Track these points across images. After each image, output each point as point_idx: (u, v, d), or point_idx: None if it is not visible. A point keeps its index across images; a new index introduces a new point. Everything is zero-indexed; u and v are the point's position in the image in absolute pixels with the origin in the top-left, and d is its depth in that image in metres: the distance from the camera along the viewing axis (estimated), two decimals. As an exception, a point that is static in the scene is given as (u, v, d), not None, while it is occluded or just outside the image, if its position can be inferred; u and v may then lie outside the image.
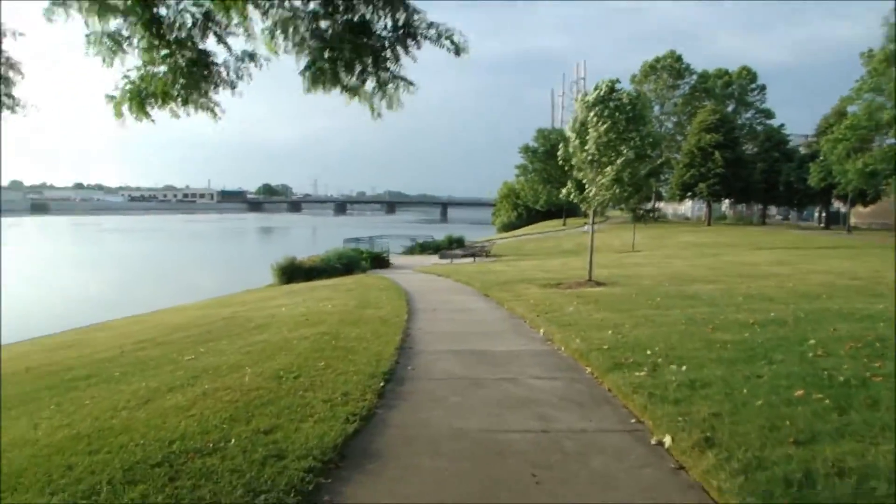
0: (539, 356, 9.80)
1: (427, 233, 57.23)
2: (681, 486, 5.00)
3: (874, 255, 29.70)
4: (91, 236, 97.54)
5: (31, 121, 8.48)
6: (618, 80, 19.18)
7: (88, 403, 7.86)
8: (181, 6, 6.30)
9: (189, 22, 6.38)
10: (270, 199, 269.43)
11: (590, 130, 18.83)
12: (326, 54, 6.71)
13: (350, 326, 12.13)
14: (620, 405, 7.09)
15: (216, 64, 6.68)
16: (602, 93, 18.79)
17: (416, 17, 6.69)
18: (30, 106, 7.68)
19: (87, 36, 6.14)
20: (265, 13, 6.56)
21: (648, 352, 8.91)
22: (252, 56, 6.72)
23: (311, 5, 6.64)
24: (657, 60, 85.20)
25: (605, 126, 18.37)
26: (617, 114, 18.40)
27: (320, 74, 6.82)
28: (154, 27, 6.14)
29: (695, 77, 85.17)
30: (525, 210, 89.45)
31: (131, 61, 6.42)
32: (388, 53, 6.83)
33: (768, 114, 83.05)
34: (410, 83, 7.02)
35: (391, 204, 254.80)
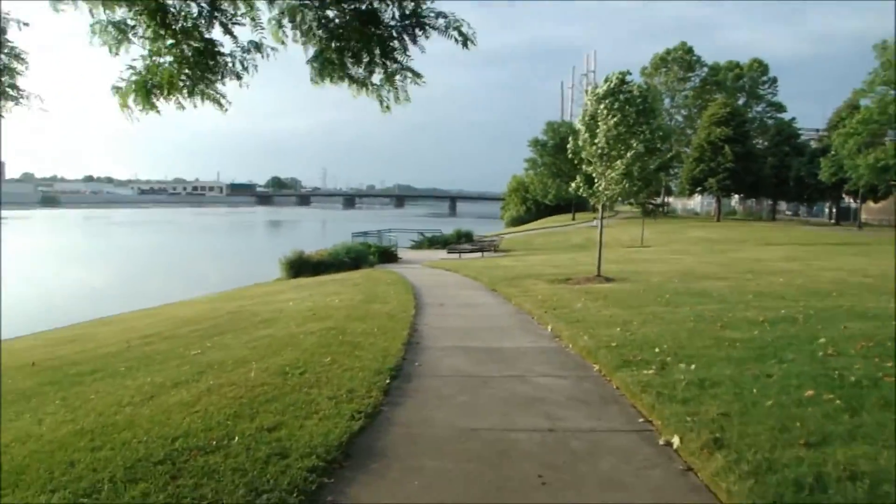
0: (546, 353, 9.73)
1: (435, 227, 56.94)
2: (689, 488, 4.92)
3: (885, 251, 29.50)
4: (100, 229, 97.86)
5: (42, 113, 8.38)
6: (628, 72, 19.05)
7: (93, 398, 7.82)
8: None
9: (195, 11, 6.31)
10: (280, 192, 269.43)
11: (600, 123, 18.73)
12: (334, 44, 6.65)
13: (357, 321, 12.08)
14: (628, 404, 7.00)
15: (222, 54, 6.61)
16: (612, 85, 18.65)
17: (424, 6, 6.61)
18: (34, 97, 7.63)
19: (91, 25, 6.08)
20: (272, 2, 6.50)
21: (657, 350, 8.83)
22: (258, 46, 6.64)
23: None
24: (668, 52, 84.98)
25: (615, 119, 18.25)
26: (627, 107, 18.28)
27: (328, 65, 6.75)
28: (159, 16, 6.07)
29: (706, 69, 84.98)
30: (534, 204, 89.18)
31: (137, 51, 6.37)
32: (396, 44, 6.76)
33: (779, 107, 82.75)
34: (418, 75, 6.95)
35: (400, 198, 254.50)
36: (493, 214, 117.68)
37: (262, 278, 31.11)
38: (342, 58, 6.67)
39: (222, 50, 6.57)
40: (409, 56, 6.87)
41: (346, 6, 6.59)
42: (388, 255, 35.68)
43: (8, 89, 7.31)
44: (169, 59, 6.34)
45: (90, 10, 5.90)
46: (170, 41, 6.27)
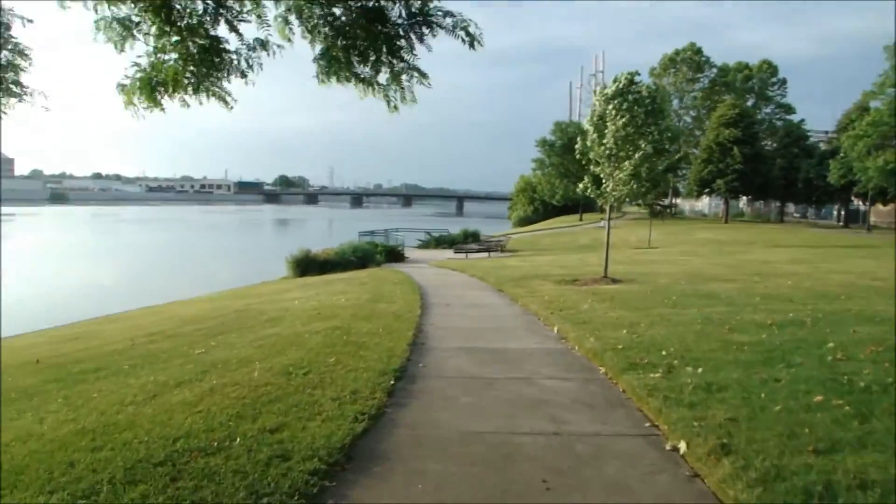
0: (552, 355, 9.66)
1: (442, 226, 56.84)
2: (696, 494, 4.84)
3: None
4: (108, 226, 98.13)
5: (51, 110, 8.34)
6: (637, 73, 18.97)
7: (96, 397, 7.79)
8: None
9: (200, 8, 6.27)
10: (287, 190, 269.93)
11: (608, 124, 18.66)
12: (340, 42, 6.59)
13: (362, 321, 12.03)
14: (635, 408, 6.93)
15: (228, 51, 6.56)
16: (621, 85, 18.58)
17: (431, 4, 6.56)
18: (37, 93, 7.60)
19: (95, 22, 6.04)
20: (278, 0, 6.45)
21: (664, 352, 8.76)
22: (264, 44, 6.59)
23: None
24: (677, 53, 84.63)
25: (623, 119, 18.18)
26: (636, 107, 18.20)
27: (334, 63, 6.70)
28: (164, 13, 6.03)
29: (714, 70, 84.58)
30: (541, 204, 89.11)
31: (142, 49, 6.32)
32: (403, 42, 6.70)
33: (788, 109, 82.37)
34: (424, 75, 6.89)
35: (407, 197, 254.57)
36: (501, 214, 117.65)
37: (269, 276, 31.13)
38: (348, 56, 6.62)
39: (228, 47, 6.52)
40: (415, 55, 6.82)
41: (352, 3, 6.54)
42: (394, 255, 35.65)
43: (11, 86, 7.28)
44: (174, 56, 6.29)
45: (94, 7, 5.86)
46: (175, 38, 6.22)
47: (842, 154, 49.89)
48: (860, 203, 64.01)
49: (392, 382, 7.72)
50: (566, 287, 17.63)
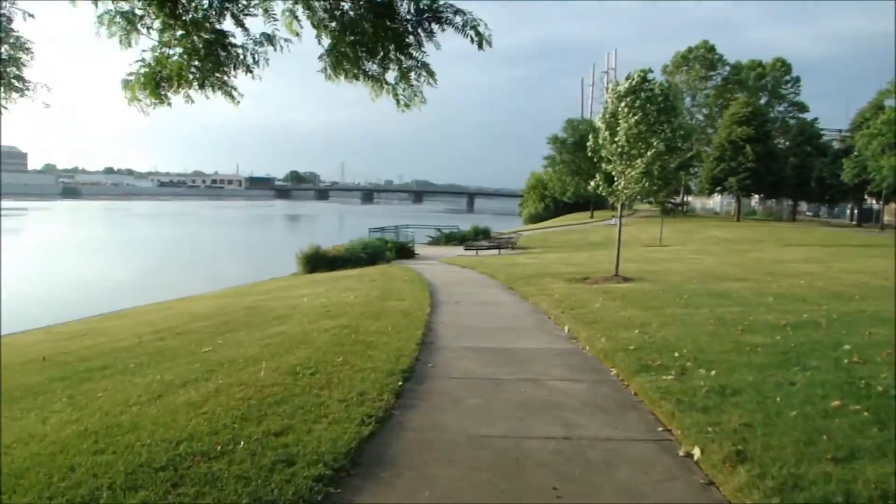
0: (563, 355, 9.52)
1: (453, 223, 56.80)
2: (711, 504, 4.71)
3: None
4: (120, 221, 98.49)
5: (51, 106, 8.23)
6: (650, 70, 18.82)
7: (101, 396, 7.71)
8: None
9: (206, 2, 6.17)
10: (298, 186, 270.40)
11: (620, 121, 18.52)
12: (348, 37, 6.49)
13: (371, 319, 11.94)
14: (647, 411, 6.78)
15: (234, 46, 6.46)
16: (634, 83, 18.43)
17: (441, 1, 6.44)
18: (40, 87, 7.50)
19: (99, 16, 5.95)
20: None
21: (676, 354, 8.62)
22: (271, 39, 6.50)
23: None
24: (689, 51, 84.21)
25: (635, 117, 18.03)
26: (648, 105, 18.05)
27: (341, 58, 6.60)
28: (169, 6, 5.93)
29: (727, 68, 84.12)
30: (552, 202, 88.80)
31: (146, 44, 6.23)
32: (412, 39, 6.59)
33: (802, 107, 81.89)
34: (432, 73, 6.78)
35: (418, 193, 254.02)
36: (512, 211, 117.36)
37: (279, 273, 31.15)
38: (356, 52, 6.51)
39: (234, 42, 6.42)
40: (424, 52, 6.72)
41: (361, -2, 6.44)
42: (404, 251, 35.60)
43: (13, 80, 7.19)
44: (179, 50, 6.19)
45: (95, 2, 5.76)
46: (180, 32, 6.13)
47: (856, 153, 49.58)
48: (874, 202, 63.54)
49: (400, 383, 7.61)
50: (577, 285, 17.50)
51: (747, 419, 5.93)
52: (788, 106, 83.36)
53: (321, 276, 25.97)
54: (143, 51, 6.23)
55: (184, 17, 6.03)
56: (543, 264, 25.45)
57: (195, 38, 6.17)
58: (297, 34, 6.54)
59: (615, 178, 19.39)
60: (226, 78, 6.55)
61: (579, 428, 6.27)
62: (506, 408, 6.93)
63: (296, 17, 6.50)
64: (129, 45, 6.10)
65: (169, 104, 6.44)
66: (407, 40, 6.55)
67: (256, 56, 6.43)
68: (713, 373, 7.61)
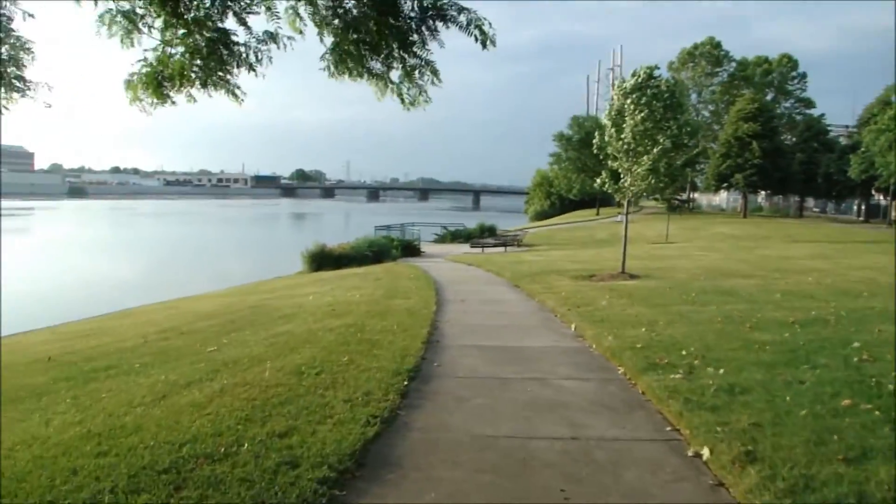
0: (569, 354, 9.46)
1: (459, 220, 56.76)
2: (721, 505, 4.65)
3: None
4: (126, 220, 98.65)
5: (52, 106, 8.21)
6: (656, 67, 18.71)
7: (105, 397, 7.69)
8: None
9: (207, 0, 6.11)
10: (304, 184, 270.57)
11: (626, 118, 18.41)
12: (351, 35, 6.43)
13: (377, 318, 11.89)
14: (655, 410, 6.72)
15: (237, 44, 6.41)
16: (640, 80, 18.33)
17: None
18: (41, 87, 7.47)
19: (100, 15, 5.90)
20: None
21: (684, 352, 8.56)
22: (273, 37, 6.45)
23: None
24: (695, 47, 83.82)
25: (642, 114, 17.93)
26: (654, 101, 17.95)
27: (345, 56, 6.55)
28: (171, 5, 5.88)
29: (734, 64, 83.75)
30: (558, 199, 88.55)
31: (149, 43, 6.18)
32: (415, 37, 6.53)
33: (808, 103, 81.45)
34: (436, 72, 6.72)
35: (424, 191, 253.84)
36: (518, 208, 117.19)
37: (284, 271, 31.12)
38: (359, 50, 6.45)
39: (236, 40, 6.37)
40: (428, 50, 6.66)
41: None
42: (410, 249, 35.56)
43: (14, 80, 7.16)
44: (181, 49, 6.14)
45: (96, 0, 5.71)
46: (182, 31, 6.08)
47: (863, 148, 49.38)
48: (881, 198, 63.28)
49: (406, 383, 7.56)
50: (583, 283, 17.42)
51: (757, 418, 5.87)
52: (795, 102, 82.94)
53: (327, 274, 25.93)
54: (145, 50, 6.19)
55: (185, 16, 5.98)
56: (549, 262, 25.34)
57: (197, 36, 6.12)
58: (301, 32, 6.49)
59: (621, 175, 19.30)
60: (229, 77, 6.51)
61: (586, 428, 6.21)
62: (512, 407, 6.88)
63: (298, 15, 6.45)
64: (131, 44, 6.05)
65: (172, 103, 6.40)
66: (411, 38, 6.49)
67: (259, 54, 6.39)
68: (721, 371, 7.55)
